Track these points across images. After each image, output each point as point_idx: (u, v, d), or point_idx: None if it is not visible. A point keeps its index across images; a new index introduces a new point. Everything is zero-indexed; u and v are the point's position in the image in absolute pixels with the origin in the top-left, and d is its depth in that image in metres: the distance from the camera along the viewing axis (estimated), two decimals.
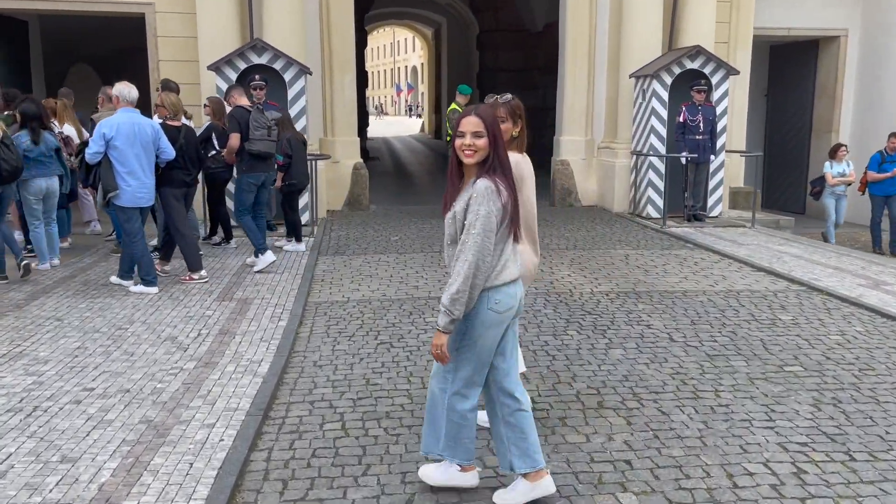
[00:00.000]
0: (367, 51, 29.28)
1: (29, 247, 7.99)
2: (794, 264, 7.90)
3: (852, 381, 4.59)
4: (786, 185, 14.78)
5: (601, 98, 12.08)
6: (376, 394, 4.37)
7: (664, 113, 10.68)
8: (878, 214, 10.81)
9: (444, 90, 27.01)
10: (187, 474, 3.33)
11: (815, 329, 5.66)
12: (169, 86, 8.10)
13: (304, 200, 9.83)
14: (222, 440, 3.67)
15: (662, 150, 10.67)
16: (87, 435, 3.70)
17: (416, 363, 4.87)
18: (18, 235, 8.39)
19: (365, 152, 13.99)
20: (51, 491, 3.18)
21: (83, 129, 8.56)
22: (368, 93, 34.12)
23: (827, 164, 11.31)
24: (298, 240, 8.42)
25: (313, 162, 9.49)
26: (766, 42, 14.00)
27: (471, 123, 2.88)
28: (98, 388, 4.30)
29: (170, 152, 6.57)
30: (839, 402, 4.26)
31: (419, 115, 50.26)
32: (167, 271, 7.11)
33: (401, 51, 67.80)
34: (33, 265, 7.07)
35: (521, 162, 3.55)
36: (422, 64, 55.79)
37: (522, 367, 3.92)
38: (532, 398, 4.25)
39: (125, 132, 6.22)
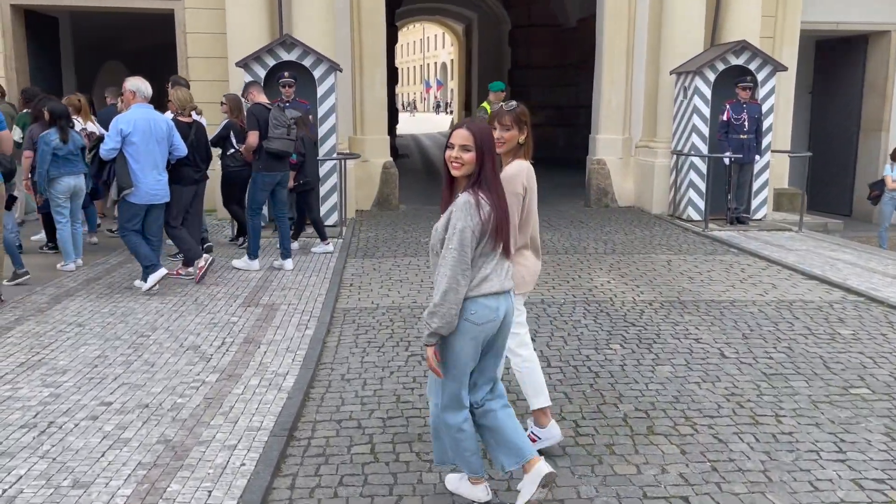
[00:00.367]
0: (397, 47, 29.04)
1: (50, 243, 7.90)
2: (848, 272, 7.45)
3: None
4: (831, 186, 14.18)
5: (639, 95, 11.66)
6: (407, 413, 4.10)
7: (707, 111, 10.24)
8: None
9: (475, 86, 26.68)
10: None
11: (878, 345, 5.25)
12: (179, 82, 7.96)
13: (332, 200, 9.61)
14: (244, 464, 3.42)
15: (705, 149, 10.23)
16: (102, 456, 3.48)
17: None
18: (41, 236, 8.34)
19: (394, 150, 13.75)
20: None
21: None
22: (397, 90, 33.92)
23: (888, 166, 10.72)
24: (324, 238, 8.19)
25: (342, 161, 9.26)
26: (811, 37, 13.43)
27: (460, 136, 2.86)
28: (116, 403, 4.08)
29: (182, 149, 6.48)
30: None
31: (449, 112, 49.98)
32: (191, 273, 6.92)
33: (430, 47, 67.54)
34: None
35: (529, 169, 3.50)
36: (451, 60, 55.46)
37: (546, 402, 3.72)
38: (575, 420, 3.96)
39: (141, 128, 6.12)
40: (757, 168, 10.31)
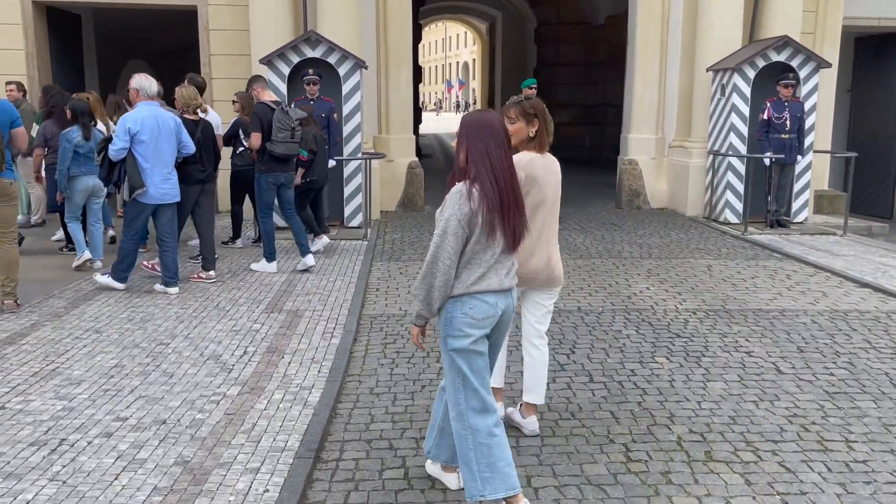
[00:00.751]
0: (419, 46, 28.77)
1: (70, 244, 7.71)
2: None
3: None
4: (871, 187, 13.65)
5: (673, 93, 11.26)
6: None
7: (746, 110, 9.83)
8: None
9: (498, 85, 26.32)
10: None
11: None
12: (196, 80, 7.74)
13: (357, 201, 9.34)
14: (267, 490, 3.15)
15: (743, 149, 9.82)
16: (115, 479, 3.21)
17: None
18: (60, 235, 8.18)
19: (417, 149, 13.46)
20: None
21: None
22: (420, 89, 33.69)
23: None
24: (317, 234, 7.88)
25: (367, 161, 8.99)
26: (850, 34, 12.92)
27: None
28: (132, 418, 3.83)
29: (190, 146, 6.30)
30: None
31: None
32: (212, 276, 6.69)
33: (452, 46, 67.22)
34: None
35: (534, 160, 3.49)
36: (473, 59, 55.11)
37: (499, 383, 3.86)
38: (625, 444, 3.64)
39: (149, 126, 5.93)
40: (798, 169, 9.88)
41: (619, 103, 12.27)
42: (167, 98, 7.01)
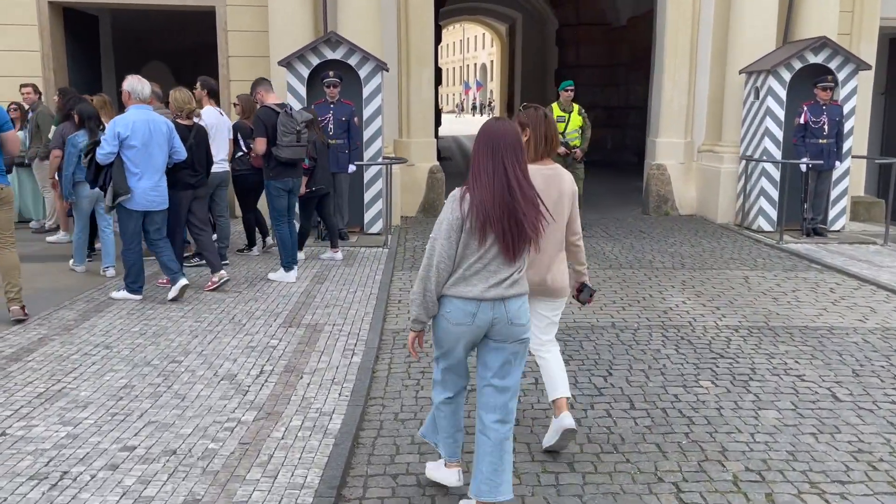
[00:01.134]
0: (438, 48, 28.50)
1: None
2: None
3: None
4: None
5: (703, 96, 10.89)
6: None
7: (781, 114, 9.44)
8: None
9: (517, 87, 25.99)
10: None
11: None
12: (208, 83, 7.50)
13: (377, 207, 9.07)
14: None
15: (778, 155, 9.44)
16: None
17: (518, 420, 3.93)
18: (64, 236, 8.01)
19: (437, 152, 13.18)
20: None
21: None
22: (439, 90, 33.46)
23: None
24: (300, 248, 7.52)
25: (388, 166, 8.72)
26: (886, 35, 12.46)
27: None
28: (140, 448, 3.56)
29: (182, 152, 6.09)
30: None
31: (490, 113, 49.35)
32: (223, 276, 6.45)
33: (470, 48, 66.91)
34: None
35: (531, 172, 3.33)
36: (491, 61, 54.77)
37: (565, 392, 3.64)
38: (676, 483, 3.32)
39: (141, 131, 5.72)
40: (835, 175, 9.48)
41: (642, 105, 11.95)
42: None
